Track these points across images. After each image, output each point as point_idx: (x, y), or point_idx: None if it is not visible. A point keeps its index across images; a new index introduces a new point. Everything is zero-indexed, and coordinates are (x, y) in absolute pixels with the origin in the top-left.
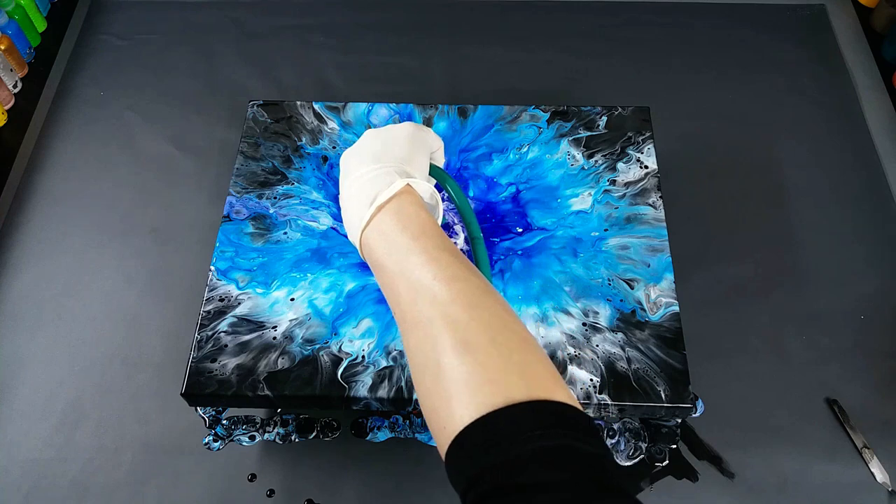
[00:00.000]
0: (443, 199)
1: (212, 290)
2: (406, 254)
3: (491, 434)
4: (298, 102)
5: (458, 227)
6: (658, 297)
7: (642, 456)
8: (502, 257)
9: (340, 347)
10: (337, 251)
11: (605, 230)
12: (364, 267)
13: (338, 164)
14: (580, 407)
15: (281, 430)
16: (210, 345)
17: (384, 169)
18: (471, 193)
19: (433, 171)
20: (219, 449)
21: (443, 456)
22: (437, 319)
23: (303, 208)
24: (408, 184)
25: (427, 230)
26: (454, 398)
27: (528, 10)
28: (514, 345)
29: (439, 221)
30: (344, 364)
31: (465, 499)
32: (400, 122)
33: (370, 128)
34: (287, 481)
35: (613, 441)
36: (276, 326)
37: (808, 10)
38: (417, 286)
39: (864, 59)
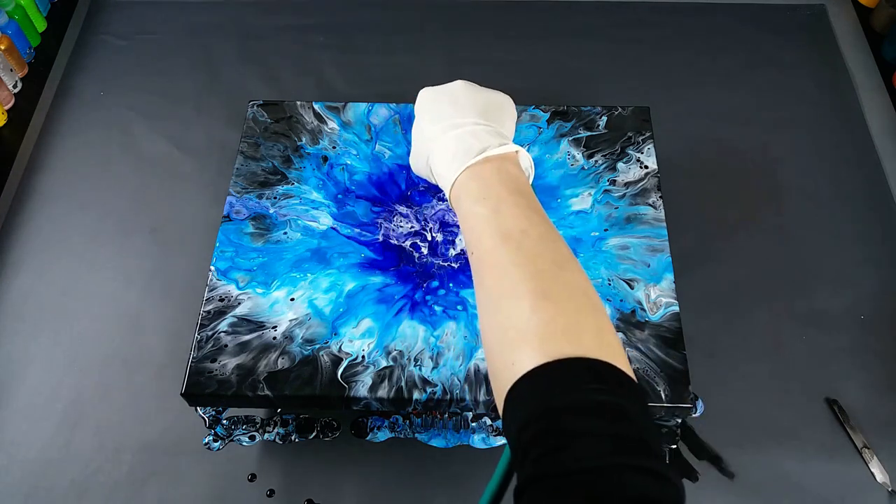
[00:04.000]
0: None
1: (212, 290)
2: (499, 202)
3: (555, 379)
4: (298, 102)
5: None
6: (658, 297)
7: None
8: None
9: (340, 347)
10: (337, 251)
11: (605, 230)
12: (364, 267)
13: (338, 165)
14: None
15: (281, 430)
16: (210, 345)
17: (493, 129)
18: None
19: None
20: (219, 449)
21: (502, 393)
22: (521, 267)
23: (303, 208)
24: (517, 150)
25: (524, 191)
26: (527, 341)
27: (528, 10)
28: (591, 310)
29: None
30: (344, 364)
31: (519, 436)
32: (400, 122)
33: (368, 126)
34: (287, 481)
35: None
36: (276, 326)
37: (808, 10)
38: (506, 233)
39: (864, 59)
